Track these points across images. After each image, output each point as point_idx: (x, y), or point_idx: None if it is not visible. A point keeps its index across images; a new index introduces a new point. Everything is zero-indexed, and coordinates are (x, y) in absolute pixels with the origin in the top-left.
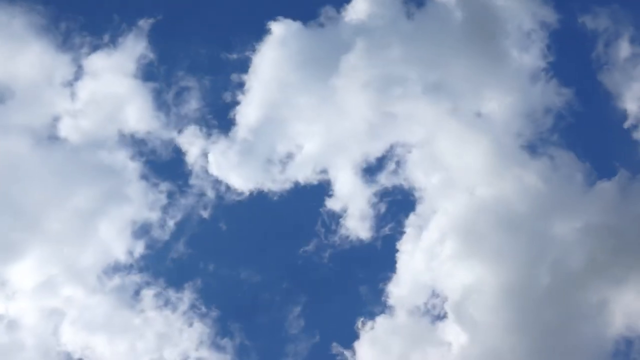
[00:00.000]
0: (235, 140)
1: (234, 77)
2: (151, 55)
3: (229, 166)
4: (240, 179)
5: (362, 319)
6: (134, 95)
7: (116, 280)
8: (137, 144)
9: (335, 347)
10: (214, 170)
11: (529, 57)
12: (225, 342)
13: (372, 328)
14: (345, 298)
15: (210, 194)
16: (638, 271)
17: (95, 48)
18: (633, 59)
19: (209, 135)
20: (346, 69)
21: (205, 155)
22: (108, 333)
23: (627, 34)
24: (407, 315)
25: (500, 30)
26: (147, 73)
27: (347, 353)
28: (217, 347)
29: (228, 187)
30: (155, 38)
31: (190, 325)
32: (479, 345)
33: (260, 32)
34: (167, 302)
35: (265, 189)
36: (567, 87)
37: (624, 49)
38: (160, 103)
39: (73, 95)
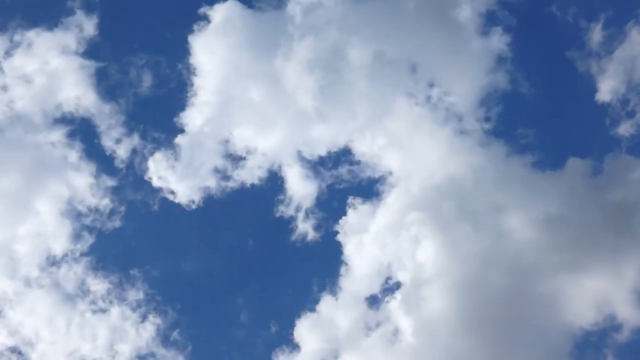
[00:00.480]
0: (179, 137)
1: (178, 63)
2: (94, 35)
3: (173, 165)
4: (183, 182)
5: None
6: (72, 75)
7: (55, 272)
8: (76, 126)
9: (279, 331)
10: (157, 170)
11: (493, 38)
12: (175, 334)
13: (317, 312)
14: (296, 288)
15: (153, 194)
16: (597, 260)
17: (32, 24)
18: (604, 41)
19: (152, 127)
20: (294, 53)
21: (148, 148)
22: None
23: (595, 13)
24: (359, 302)
25: (463, 9)
26: (89, 52)
27: (292, 337)
28: (167, 340)
29: (172, 191)
30: (100, 17)
31: (143, 318)
32: (430, 336)
33: (203, 16)
34: (113, 295)
35: (213, 188)
36: (533, 70)
37: (595, 31)
38: (102, 85)
39: (3, 72)
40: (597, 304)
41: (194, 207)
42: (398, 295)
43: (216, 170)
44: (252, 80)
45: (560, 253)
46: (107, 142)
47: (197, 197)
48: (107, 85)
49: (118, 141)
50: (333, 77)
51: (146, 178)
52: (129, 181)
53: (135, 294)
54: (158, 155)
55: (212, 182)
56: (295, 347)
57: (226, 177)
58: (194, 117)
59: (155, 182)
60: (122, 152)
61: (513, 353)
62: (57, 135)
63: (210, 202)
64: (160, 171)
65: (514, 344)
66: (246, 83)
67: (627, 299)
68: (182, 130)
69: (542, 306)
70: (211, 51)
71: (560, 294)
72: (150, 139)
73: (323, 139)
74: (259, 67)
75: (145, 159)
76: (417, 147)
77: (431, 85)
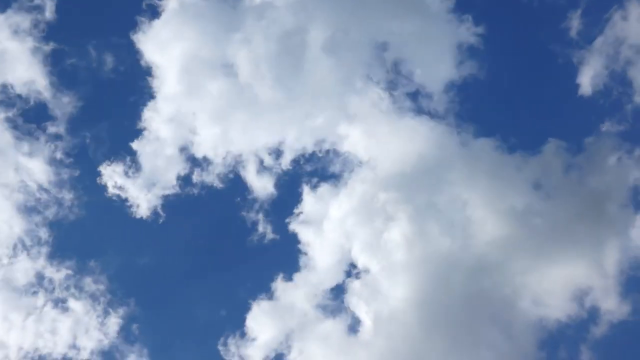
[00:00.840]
0: (135, 142)
1: (132, 55)
2: (49, 18)
3: (129, 173)
4: (139, 188)
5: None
6: (24, 57)
7: (8, 263)
8: (28, 108)
9: (234, 320)
10: (111, 175)
11: (465, 25)
12: (135, 328)
13: (273, 300)
14: (255, 277)
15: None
16: (573, 249)
17: None
18: (584, 29)
19: (106, 122)
20: (252, 38)
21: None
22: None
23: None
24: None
25: None
26: (43, 35)
27: (247, 325)
28: (127, 334)
29: (127, 201)
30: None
31: (104, 312)
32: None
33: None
34: (70, 286)
35: (172, 193)
36: (507, 56)
37: (574, 19)
38: (56, 70)
39: None
40: (572, 296)
41: (161, 220)
42: (358, 283)
43: (175, 172)
44: (208, 73)
45: (533, 243)
46: (61, 131)
47: (157, 203)
48: (61, 71)
49: (74, 130)
50: (294, 60)
51: (99, 177)
52: (81, 172)
53: (92, 287)
54: (113, 160)
55: (171, 186)
56: (249, 335)
57: (186, 179)
58: (150, 117)
59: (111, 190)
60: (76, 142)
61: (479, 346)
62: (7, 117)
63: (168, 205)
64: (115, 177)
65: (480, 337)
66: (203, 76)
67: (603, 289)
68: (138, 131)
69: (510, 300)
70: (167, 42)
71: (533, 286)
72: (106, 132)
73: (286, 127)
74: (215, 56)
75: (100, 153)
76: (383, 131)
77: (398, 67)
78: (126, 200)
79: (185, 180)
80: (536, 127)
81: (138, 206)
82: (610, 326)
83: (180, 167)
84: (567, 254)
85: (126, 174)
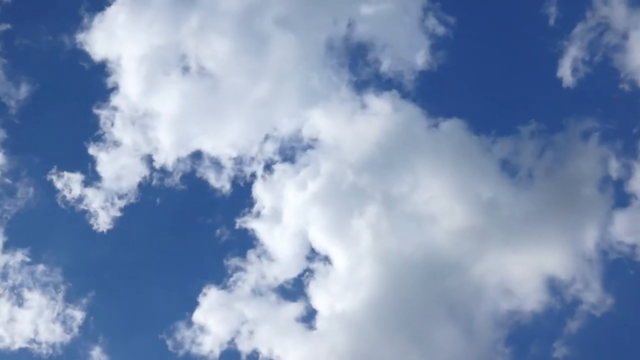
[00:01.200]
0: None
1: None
2: None
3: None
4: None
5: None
6: None
7: None
8: None
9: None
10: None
11: (434, 11)
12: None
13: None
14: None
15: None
16: (547, 239)
17: None
18: (563, 16)
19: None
20: (207, 27)
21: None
22: None
23: None
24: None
25: None
26: None
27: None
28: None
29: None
30: None
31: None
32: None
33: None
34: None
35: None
36: (482, 42)
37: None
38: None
39: None
40: (546, 288)
41: (120, 225)
42: (317, 273)
43: (137, 179)
44: (163, 63)
45: (505, 229)
46: (12, 119)
47: (115, 209)
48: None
49: (25, 119)
50: (254, 43)
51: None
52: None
53: (46, 280)
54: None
55: (131, 192)
56: (202, 325)
57: (146, 184)
58: (109, 115)
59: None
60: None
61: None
62: None
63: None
64: (72, 183)
65: (443, 332)
66: (158, 67)
67: (581, 280)
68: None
69: (479, 293)
70: (119, 33)
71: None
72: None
73: (247, 115)
74: (169, 45)
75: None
76: (346, 115)
77: (364, 49)
78: (85, 210)
79: (145, 181)
80: (511, 112)
81: (96, 214)
82: (588, 317)
83: (138, 167)
84: (541, 241)
85: (84, 183)
